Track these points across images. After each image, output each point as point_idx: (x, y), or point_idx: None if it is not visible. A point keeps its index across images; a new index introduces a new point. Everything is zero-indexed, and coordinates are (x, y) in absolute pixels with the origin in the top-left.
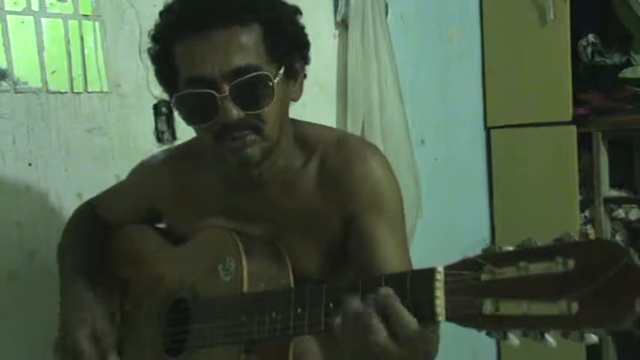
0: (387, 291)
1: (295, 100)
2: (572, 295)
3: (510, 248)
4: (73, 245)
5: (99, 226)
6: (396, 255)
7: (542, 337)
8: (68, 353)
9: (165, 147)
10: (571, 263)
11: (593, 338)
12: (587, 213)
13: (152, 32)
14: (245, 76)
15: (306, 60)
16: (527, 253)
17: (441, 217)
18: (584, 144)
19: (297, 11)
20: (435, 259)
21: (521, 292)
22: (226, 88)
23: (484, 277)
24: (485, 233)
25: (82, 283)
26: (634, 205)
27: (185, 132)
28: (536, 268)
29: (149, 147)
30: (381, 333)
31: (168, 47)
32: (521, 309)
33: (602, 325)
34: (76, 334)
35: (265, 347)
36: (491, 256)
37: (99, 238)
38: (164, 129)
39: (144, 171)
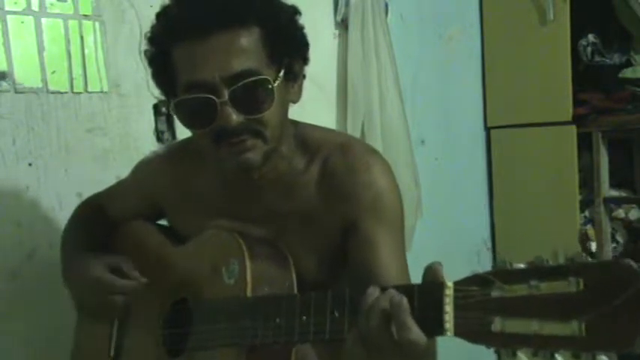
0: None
1: (295, 101)
2: (584, 317)
3: (522, 266)
4: (76, 236)
5: (102, 221)
6: (393, 262)
7: (552, 356)
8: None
9: None
10: (584, 283)
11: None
12: (587, 213)
13: (149, 34)
14: (244, 81)
15: (305, 61)
16: (538, 271)
17: (441, 217)
18: (584, 144)
19: (296, 12)
20: (435, 259)
21: (532, 311)
22: (226, 92)
23: (494, 293)
24: (486, 233)
25: (86, 252)
26: (634, 205)
27: (185, 132)
28: (548, 287)
29: (149, 147)
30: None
31: (166, 50)
32: (532, 328)
33: (613, 349)
34: (92, 274)
35: (267, 352)
36: (502, 273)
37: (101, 232)
38: (164, 129)
39: (144, 169)
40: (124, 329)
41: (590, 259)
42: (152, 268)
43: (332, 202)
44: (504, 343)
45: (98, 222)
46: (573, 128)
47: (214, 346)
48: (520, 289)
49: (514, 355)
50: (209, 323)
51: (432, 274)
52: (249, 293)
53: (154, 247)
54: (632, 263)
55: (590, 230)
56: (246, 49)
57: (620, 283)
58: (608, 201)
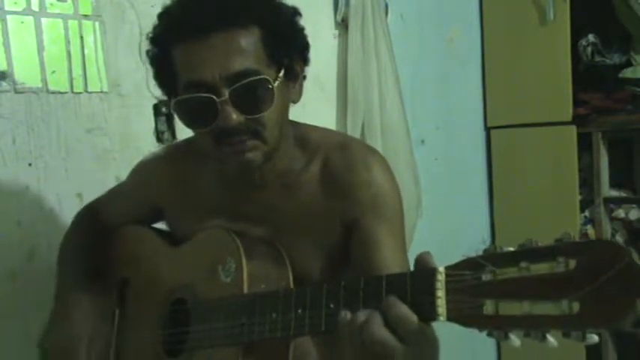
0: (390, 299)
1: (295, 101)
2: (573, 295)
3: (511, 249)
4: (73, 249)
5: (100, 229)
6: (396, 259)
7: (544, 337)
8: (58, 353)
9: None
10: (572, 263)
11: (594, 338)
12: (587, 213)
13: (150, 35)
14: (244, 80)
15: (305, 61)
16: (528, 253)
17: (441, 217)
18: (584, 144)
19: (296, 12)
20: (435, 259)
21: (523, 293)
22: (226, 92)
23: (485, 277)
24: (486, 233)
25: (79, 285)
26: (634, 205)
27: (185, 132)
28: (538, 268)
29: (149, 147)
30: (389, 340)
31: (167, 50)
32: (523, 309)
33: (603, 325)
34: (68, 333)
35: (265, 348)
36: (493, 257)
37: (100, 242)
38: (164, 129)
39: (144, 170)
40: (124, 330)
41: (578, 239)
42: (150, 270)
43: (332, 201)
44: (496, 325)
45: (96, 232)
46: (573, 128)
47: (213, 345)
48: (510, 272)
49: (506, 337)
50: (207, 322)
51: (422, 264)
52: (245, 292)
53: (151, 249)
54: (619, 241)
55: (590, 230)
56: (245, 49)
57: (608, 261)
58: (608, 201)
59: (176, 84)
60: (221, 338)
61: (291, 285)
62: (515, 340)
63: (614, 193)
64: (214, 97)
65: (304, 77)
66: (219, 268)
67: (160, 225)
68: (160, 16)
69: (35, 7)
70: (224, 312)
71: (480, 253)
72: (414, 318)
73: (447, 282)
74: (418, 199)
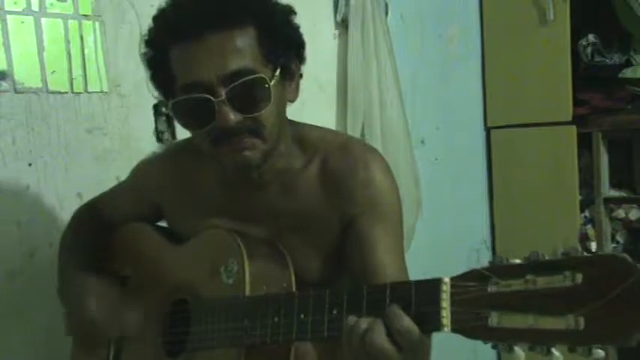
0: (394, 310)
1: (292, 100)
2: (579, 310)
3: (518, 261)
4: (74, 243)
5: (100, 227)
6: (393, 260)
7: (549, 351)
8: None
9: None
10: (579, 277)
11: (600, 353)
12: (587, 213)
13: (146, 37)
14: (241, 80)
15: (301, 60)
16: (534, 266)
17: (441, 217)
18: (584, 144)
19: (291, 11)
20: (434, 259)
21: (528, 306)
22: (223, 92)
23: (490, 289)
24: (485, 233)
25: (83, 274)
26: (634, 205)
27: (185, 132)
28: (544, 281)
29: (149, 147)
30: (388, 351)
31: (163, 52)
32: (528, 322)
33: (609, 342)
34: (85, 314)
35: (266, 350)
36: (498, 269)
37: (100, 237)
38: (164, 129)
39: (144, 170)
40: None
41: (585, 254)
42: (151, 269)
43: (331, 200)
44: (501, 337)
45: (96, 230)
46: (573, 128)
47: (213, 347)
48: (516, 284)
49: (511, 349)
50: (208, 323)
51: None
52: (247, 293)
53: (152, 248)
54: (627, 257)
55: (590, 230)
56: (241, 48)
57: (616, 277)
58: (608, 201)
59: (173, 85)
60: (222, 340)
61: (293, 286)
62: (519, 352)
63: (614, 193)
64: (211, 98)
65: (301, 76)
66: (221, 269)
67: (160, 224)
68: (156, 18)
69: (35, 7)
70: (226, 314)
71: (480, 253)
72: (416, 331)
73: (452, 293)
74: (418, 199)
